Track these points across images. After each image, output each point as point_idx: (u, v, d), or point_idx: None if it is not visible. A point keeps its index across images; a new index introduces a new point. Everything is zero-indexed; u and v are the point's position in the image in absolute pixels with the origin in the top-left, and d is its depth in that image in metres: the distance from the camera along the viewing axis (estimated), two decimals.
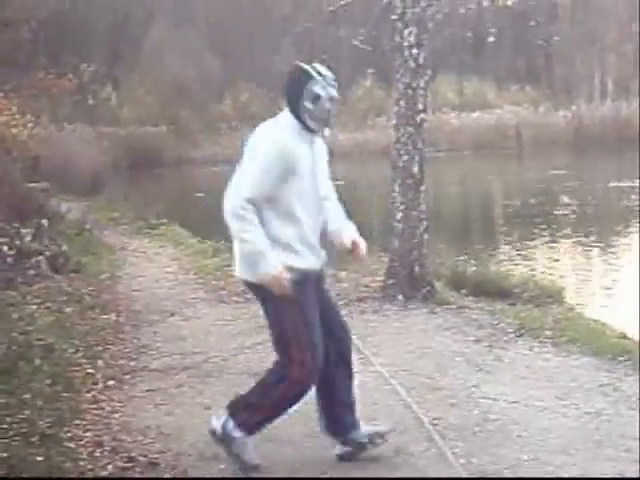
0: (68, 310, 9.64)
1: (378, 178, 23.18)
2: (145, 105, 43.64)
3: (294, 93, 5.25)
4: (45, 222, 13.52)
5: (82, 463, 5.59)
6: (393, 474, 5.41)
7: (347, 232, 5.55)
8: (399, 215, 10.15)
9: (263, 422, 5.48)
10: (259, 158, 5.20)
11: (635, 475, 4.57)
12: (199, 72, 45.32)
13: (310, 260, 5.36)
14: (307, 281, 5.33)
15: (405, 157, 10.14)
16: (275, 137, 5.25)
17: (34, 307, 9.48)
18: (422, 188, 10.20)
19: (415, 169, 10.14)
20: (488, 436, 6.00)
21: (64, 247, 12.70)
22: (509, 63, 49.33)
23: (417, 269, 10.06)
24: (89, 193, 23.46)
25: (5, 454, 5.47)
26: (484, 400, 6.71)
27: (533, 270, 13.55)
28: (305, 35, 45.69)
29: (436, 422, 6.22)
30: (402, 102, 10.17)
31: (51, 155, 23.09)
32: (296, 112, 5.26)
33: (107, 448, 5.85)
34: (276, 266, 5.13)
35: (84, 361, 7.83)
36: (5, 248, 11.24)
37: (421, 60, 10.10)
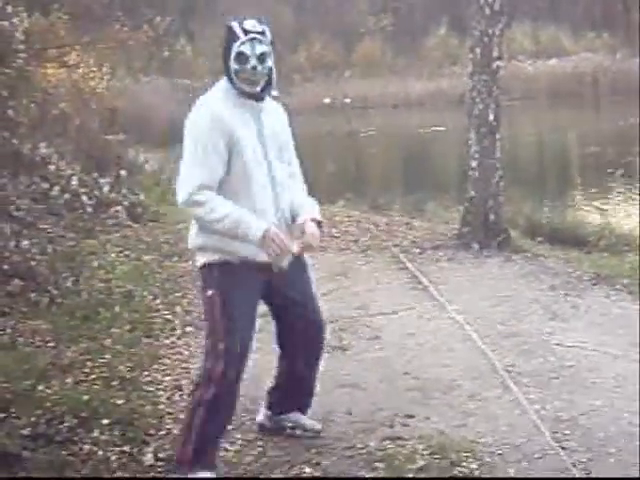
0: (147, 258, 9.78)
1: (452, 127, 23.06)
2: (219, 57, 43.67)
3: (224, 55, 4.80)
4: (123, 172, 13.65)
5: (161, 406, 5.72)
6: (467, 420, 5.45)
7: (300, 217, 4.84)
8: (474, 163, 10.11)
9: (201, 446, 4.73)
10: (199, 139, 4.66)
11: (636, 475, 4.57)
12: (272, 23, 45.21)
13: (251, 248, 4.67)
14: (247, 270, 4.72)
15: (480, 105, 10.08)
16: (207, 109, 4.72)
17: (114, 255, 9.63)
18: (497, 136, 10.14)
19: (490, 117, 10.08)
20: (562, 383, 6.01)
21: (142, 197, 12.84)
22: (585, 9, 48.43)
23: (492, 217, 10.02)
24: (165, 144, 23.61)
25: (87, 397, 5.60)
26: (559, 347, 6.71)
27: (609, 218, 13.40)
28: None
29: (510, 369, 6.24)
30: (477, 50, 10.09)
31: (128, 107, 23.21)
32: (229, 76, 4.78)
33: (186, 392, 5.96)
34: (260, 227, 4.60)
35: (162, 308, 7.97)
36: (85, 198, 11.40)
37: (496, 7, 9.99)
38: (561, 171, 22.26)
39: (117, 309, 7.56)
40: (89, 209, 11.24)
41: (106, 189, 12.24)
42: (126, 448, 5.03)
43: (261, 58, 4.73)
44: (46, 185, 11.18)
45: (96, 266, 8.92)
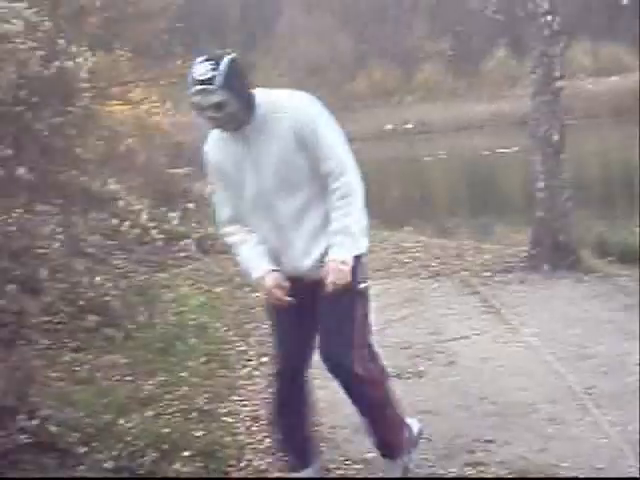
0: (218, 290, 9.86)
1: (515, 148, 22.97)
2: (279, 87, 43.96)
3: None
4: (191, 205, 13.79)
5: (240, 437, 5.74)
6: (548, 444, 5.40)
7: (331, 254, 4.50)
8: (541, 184, 10.07)
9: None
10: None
11: (635, 475, 4.49)
12: (332, 52, 45.50)
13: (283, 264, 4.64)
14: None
15: (545, 126, 10.06)
16: (205, 148, 4.70)
17: (186, 288, 9.73)
18: (562, 156, 10.10)
19: (555, 137, 10.05)
20: None
21: (211, 229, 12.94)
22: None
23: (562, 237, 9.97)
24: None
25: (167, 429, 5.64)
26: (637, 367, 6.63)
27: None
28: (437, 8, 45.42)
29: (589, 391, 6.18)
30: (538, 70, 10.08)
31: (192, 140, 23.46)
32: None
33: (264, 422, 5.98)
34: (260, 274, 4.60)
35: (236, 339, 8.02)
36: (154, 232, 11.51)
37: (556, 27, 9.99)
38: (628, 189, 22.02)
39: (192, 341, 7.62)
40: (159, 243, 11.35)
41: (175, 222, 12.36)
42: None
43: (215, 108, 4.37)
44: (116, 221, 11.31)
45: (169, 299, 9.01)
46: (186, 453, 5.32)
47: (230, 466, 5.25)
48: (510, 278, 9.77)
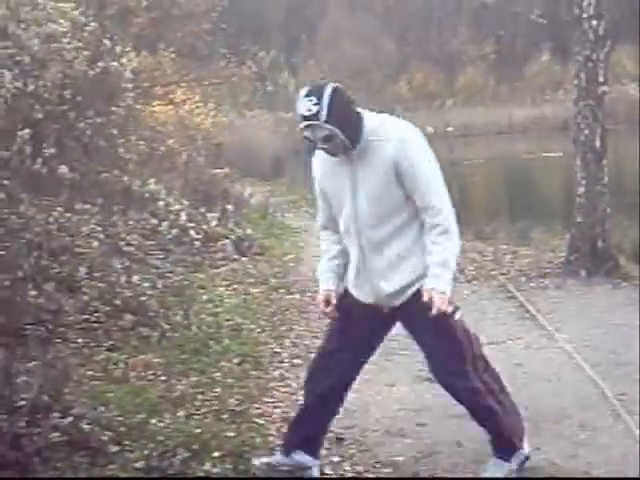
0: (254, 291, 9.89)
1: (558, 154, 22.82)
2: None
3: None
4: (230, 206, 13.85)
5: (271, 439, 5.75)
6: (578, 450, 5.39)
7: (427, 285, 4.63)
8: (581, 190, 10.03)
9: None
10: None
11: (636, 475, 4.44)
12: (374, 55, 45.49)
13: (352, 288, 4.93)
14: (344, 305, 4.93)
15: (586, 131, 10.01)
16: (313, 159, 4.94)
17: (222, 289, 9.76)
18: (604, 162, 10.05)
19: (597, 143, 10.00)
20: None
21: (248, 230, 13.00)
22: None
23: (600, 244, 9.93)
24: (270, 177, 23.91)
25: (198, 430, 5.67)
26: None
27: None
28: (481, 12, 45.26)
29: (622, 397, 6.14)
30: (582, 75, 10.03)
31: (233, 141, 23.58)
32: None
33: None
34: (319, 292, 4.99)
35: (270, 340, 8.05)
36: (193, 232, 11.58)
37: (601, 31, 9.94)
38: None
39: (226, 342, 7.65)
40: (197, 243, 11.42)
41: (213, 223, 12.42)
42: None
43: (324, 140, 4.59)
44: (155, 220, 11.40)
45: (205, 300, 9.05)
46: (216, 454, 5.33)
47: None
48: (547, 284, 9.75)
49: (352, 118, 4.63)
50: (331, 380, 5.03)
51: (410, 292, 4.76)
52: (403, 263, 4.75)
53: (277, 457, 5.16)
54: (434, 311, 4.54)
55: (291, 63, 46.78)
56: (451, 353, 4.80)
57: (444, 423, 5.86)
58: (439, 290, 4.57)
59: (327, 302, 4.93)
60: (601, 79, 10.02)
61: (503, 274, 10.18)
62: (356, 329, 4.92)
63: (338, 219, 4.87)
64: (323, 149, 4.66)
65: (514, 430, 5.04)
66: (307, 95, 4.55)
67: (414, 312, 4.73)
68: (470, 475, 5.14)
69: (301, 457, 5.10)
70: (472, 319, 8.37)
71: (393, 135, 4.66)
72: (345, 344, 4.94)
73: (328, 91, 4.55)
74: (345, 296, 4.97)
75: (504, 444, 5.04)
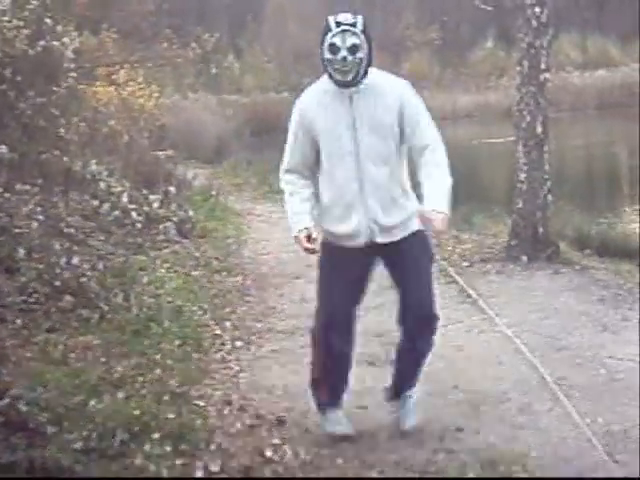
0: (196, 274, 9.85)
1: (500, 139, 22.96)
2: (267, 72, 43.94)
3: (320, 47, 5.08)
4: (172, 189, 13.76)
5: (211, 421, 5.74)
6: (517, 433, 5.43)
7: (426, 204, 5.04)
8: (522, 176, 10.08)
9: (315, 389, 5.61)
10: (290, 125, 5.28)
11: (636, 475, 4.52)
12: (319, 38, 45.41)
13: (341, 226, 5.23)
14: (341, 251, 5.26)
15: (528, 117, 10.06)
16: (298, 102, 5.26)
17: (163, 271, 9.70)
18: (545, 148, 10.11)
19: (539, 129, 10.05)
20: (614, 395, 5.97)
21: (191, 213, 12.92)
22: (633, 19, 48.01)
23: (541, 229, 9.99)
24: (214, 160, 23.78)
25: (138, 411, 5.63)
26: (610, 360, 6.67)
27: None
28: None
29: (561, 382, 6.21)
30: (525, 62, 10.07)
31: (176, 123, 23.44)
32: (324, 67, 5.11)
33: (236, 406, 6.00)
34: (297, 231, 5.21)
35: (212, 323, 8.01)
36: (134, 214, 11.48)
37: (543, 18, 9.98)
38: (610, 183, 22.08)
39: (167, 324, 7.60)
40: (139, 225, 11.32)
41: (155, 205, 12.33)
42: (177, 462, 5.05)
43: (352, 49, 4.98)
44: (96, 202, 11.29)
45: (146, 282, 8.98)
46: (156, 435, 5.30)
47: (199, 449, 5.25)
48: (488, 268, 9.80)
49: (371, 47, 5.06)
50: (347, 333, 5.39)
51: (403, 230, 5.20)
52: (399, 202, 5.18)
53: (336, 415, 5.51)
54: (434, 229, 5.01)
55: (236, 45, 46.52)
56: (427, 295, 5.28)
57: (384, 406, 5.87)
58: (439, 210, 4.96)
59: (309, 238, 5.17)
60: (543, 66, 10.07)
61: (445, 259, 10.20)
62: (349, 275, 5.26)
63: (328, 158, 5.15)
64: (341, 62, 4.97)
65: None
66: (350, 13, 5.07)
67: (401, 250, 5.22)
68: (410, 458, 5.15)
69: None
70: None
71: (397, 83, 5.21)
72: (346, 293, 5.28)
73: (361, 17, 5.09)
74: (325, 245, 5.31)
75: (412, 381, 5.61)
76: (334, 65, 5.02)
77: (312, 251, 5.23)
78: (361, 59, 5.01)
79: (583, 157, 26.27)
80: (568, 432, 5.40)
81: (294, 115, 5.24)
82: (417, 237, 5.26)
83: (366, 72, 5.08)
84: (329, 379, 5.50)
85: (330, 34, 5.00)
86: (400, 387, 5.61)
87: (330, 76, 5.09)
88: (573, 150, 25.56)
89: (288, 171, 5.32)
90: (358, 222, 5.18)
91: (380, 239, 5.21)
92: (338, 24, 5.00)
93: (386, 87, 5.15)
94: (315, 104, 5.16)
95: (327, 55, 5.02)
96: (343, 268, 5.25)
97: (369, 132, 5.09)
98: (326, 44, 5.01)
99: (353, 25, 5.00)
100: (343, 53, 4.97)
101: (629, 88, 39.40)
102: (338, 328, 5.33)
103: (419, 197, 5.18)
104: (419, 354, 5.47)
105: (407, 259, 5.26)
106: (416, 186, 5.25)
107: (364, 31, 5.03)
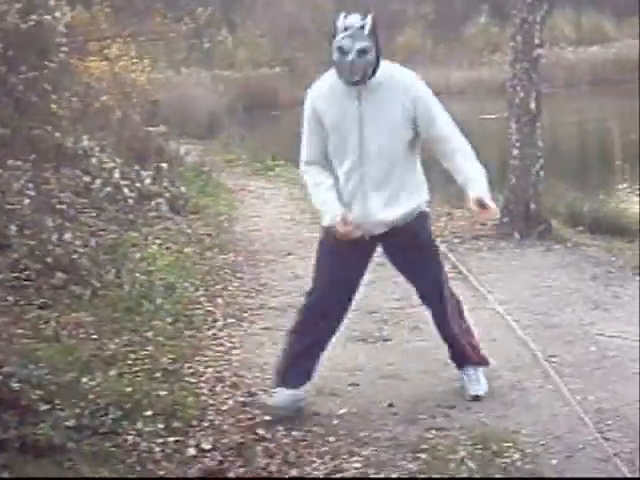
0: (188, 250, 9.84)
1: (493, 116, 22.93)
2: (260, 47, 43.77)
3: (330, 45, 5.14)
4: (165, 165, 13.70)
5: (203, 398, 5.76)
6: (509, 410, 5.45)
7: (472, 192, 5.18)
8: (515, 152, 10.08)
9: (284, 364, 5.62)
10: (304, 118, 5.34)
11: (635, 475, 4.53)
12: (313, 13, 45.23)
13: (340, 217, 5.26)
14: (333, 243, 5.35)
15: (521, 93, 10.04)
16: (310, 92, 5.33)
17: (155, 247, 9.69)
18: (538, 125, 10.10)
19: (532, 105, 10.04)
20: (605, 373, 5.99)
21: (183, 189, 12.90)
22: None
23: (533, 206, 9.99)
24: (206, 136, 23.70)
25: (130, 389, 5.64)
26: (601, 337, 6.68)
27: None
28: None
29: (552, 359, 6.23)
30: (518, 37, 10.04)
31: (169, 99, 23.31)
32: (334, 66, 5.19)
33: (228, 383, 6.02)
34: (332, 217, 5.23)
35: (204, 300, 8.02)
36: (126, 190, 11.44)
37: None
38: (603, 160, 22.08)
39: (159, 301, 7.59)
40: (131, 202, 11.29)
41: (147, 182, 12.29)
42: (170, 439, 5.07)
43: (360, 53, 5.02)
44: (88, 178, 11.24)
45: (138, 258, 8.97)
46: (148, 412, 5.32)
47: (191, 426, 5.26)
48: (480, 245, 9.80)
49: (379, 47, 5.14)
50: (334, 316, 5.51)
51: (404, 219, 5.32)
52: (402, 197, 5.29)
53: (283, 393, 5.49)
54: (486, 215, 5.32)
55: (229, 20, 46.33)
56: (435, 278, 5.59)
57: (376, 383, 5.90)
58: (488, 197, 5.13)
59: (345, 222, 5.19)
60: (537, 42, 10.04)
61: (437, 235, 10.18)
62: (348, 262, 5.39)
63: (334, 152, 5.26)
64: (350, 65, 5.03)
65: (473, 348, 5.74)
66: (353, 14, 5.14)
67: (403, 240, 5.38)
68: (402, 436, 5.17)
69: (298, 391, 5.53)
70: (404, 280, 8.44)
71: (406, 77, 5.25)
72: (341, 280, 5.41)
73: (369, 15, 5.13)
74: (328, 231, 5.34)
75: (468, 359, 5.71)
76: (342, 67, 5.09)
77: (350, 234, 5.23)
78: (369, 61, 5.07)
79: (576, 133, 26.25)
80: (559, 409, 5.42)
81: (306, 107, 5.31)
82: (418, 220, 5.43)
83: (374, 71, 5.13)
84: (299, 359, 5.55)
85: (339, 37, 5.06)
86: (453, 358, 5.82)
87: (339, 75, 5.17)
88: (566, 126, 25.53)
89: (307, 163, 5.39)
90: (358, 216, 5.27)
91: (379, 231, 5.35)
92: (346, 27, 5.07)
93: (394, 82, 5.19)
94: (325, 98, 5.23)
95: (336, 57, 5.09)
96: (343, 255, 5.32)
97: (376, 129, 5.16)
98: (335, 46, 5.07)
99: (362, 28, 5.06)
100: (351, 56, 5.03)
101: (623, 64, 39.35)
102: (329, 314, 5.46)
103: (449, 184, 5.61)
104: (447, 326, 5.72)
105: (408, 249, 5.47)
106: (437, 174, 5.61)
107: (373, 32, 5.09)
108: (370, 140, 5.18)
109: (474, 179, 5.21)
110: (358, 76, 5.09)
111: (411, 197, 5.34)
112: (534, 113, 10.04)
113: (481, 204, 5.10)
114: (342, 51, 5.05)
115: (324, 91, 5.26)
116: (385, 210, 5.28)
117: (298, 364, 5.54)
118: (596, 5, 45.92)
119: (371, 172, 5.22)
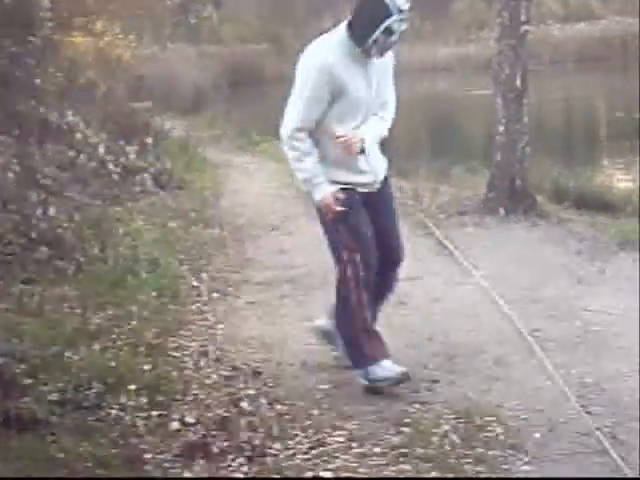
0: (173, 225, 9.83)
1: (480, 92, 22.92)
2: (246, 23, 43.60)
3: (368, 22, 5.16)
4: (150, 140, 13.68)
5: (187, 372, 5.75)
6: (493, 385, 5.46)
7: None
8: (501, 128, 10.06)
9: (357, 339, 5.44)
10: (306, 83, 5.26)
11: (635, 475, 4.55)
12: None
13: (354, 176, 5.42)
14: (354, 193, 5.41)
15: (507, 70, 10.02)
16: (320, 59, 5.25)
17: (140, 222, 9.68)
18: (524, 101, 10.08)
19: (517, 82, 10.02)
20: (588, 348, 6.01)
21: (168, 164, 12.88)
22: None
23: (518, 182, 9.99)
24: (192, 111, 23.63)
25: (114, 363, 5.63)
26: (585, 312, 6.71)
27: (636, 184, 13.30)
28: None
29: (536, 333, 6.24)
30: (505, 13, 10.01)
31: (154, 74, 23.26)
32: (358, 33, 5.21)
33: (212, 358, 6.01)
34: (325, 194, 5.32)
35: (189, 274, 8.00)
36: (111, 165, 11.43)
37: None
38: (589, 136, 22.10)
39: (143, 276, 7.59)
40: (115, 177, 11.28)
41: (132, 157, 12.28)
42: (153, 413, 5.06)
43: (400, 34, 5.22)
44: (73, 153, 11.22)
45: (122, 233, 8.96)
46: (132, 387, 5.30)
47: (175, 400, 5.25)
48: (466, 221, 9.80)
49: None
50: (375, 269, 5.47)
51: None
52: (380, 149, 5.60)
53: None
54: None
55: None
56: (398, 233, 5.71)
57: None
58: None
59: (337, 200, 5.30)
60: (523, 18, 10.01)
61: (422, 211, 10.21)
62: (362, 213, 5.44)
63: (340, 115, 5.27)
64: (387, 44, 5.21)
65: None
66: None
67: (382, 194, 5.56)
68: (385, 410, 5.18)
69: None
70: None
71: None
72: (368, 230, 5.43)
73: None
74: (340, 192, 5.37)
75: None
76: (381, 45, 5.21)
77: (338, 212, 5.32)
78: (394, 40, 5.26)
79: (562, 110, 26.26)
80: (542, 383, 5.44)
81: (319, 73, 5.22)
82: (387, 182, 5.67)
83: None
84: (371, 329, 5.48)
85: (391, 19, 5.12)
86: None
87: (364, 49, 5.23)
88: (552, 103, 25.52)
89: (299, 129, 5.31)
90: (369, 172, 5.46)
91: (377, 187, 5.55)
92: (399, 10, 5.13)
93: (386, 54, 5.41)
94: (343, 65, 5.23)
95: (379, 36, 5.15)
96: (356, 206, 5.41)
97: (376, 91, 5.38)
98: (382, 26, 5.11)
99: (409, 11, 5.19)
100: (395, 37, 5.21)
101: (609, 41, 39.31)
102: (373, 268, 5.44)
103: None
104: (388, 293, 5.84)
105: (387, 205, 5.66)
106: None
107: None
108: (373, 101, 5.38)
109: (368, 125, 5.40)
110: (377, 53, 5.27)
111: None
112: (520, 90, 10.03)
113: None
114: (390, 32, 5.16)
115: (340, 58, 5.24)
116: (381, 164, 5.57)
117: (375, 335, 5.49)
118: None
119: (371, 129, 5.41)
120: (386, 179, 5.62)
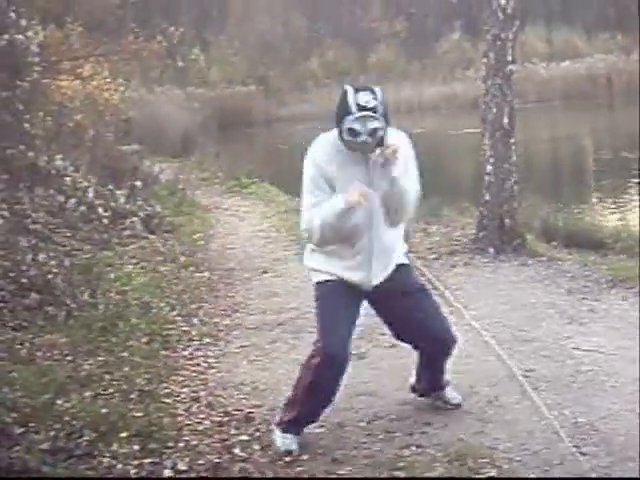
0: (163, 269, 9.81)
1: (467, 131, 23.02)
2: (233, 65, 43.80)
3: (337, 119, 4.98)
4: (139, 183, 13.70)
5: (180, 418, 5.72)
6: (486, 427, 5.44)
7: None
8: (489, 168, 10.10)
9: (299, 417, 5.34)
10: (306, 178, 5.13)
11: (635, 475, 4.54)
12: (286, 31, 45.30)
13: (342, 271, 5.22)
14: (342, 286, 5.23)
15: (494, 109, 10.08)
16: (312, 158, 5.12)
17: (130, 267, 9.66)
18: (512, 140, 10.13)
19: (505, 121, 10.07)
20: (581, 387, 5.99)
21: (158, 208, 12.88)
22: (599, 10, 48.21)
23: (508, 221, 10.02)
24: (180, 154, 23.70)
25: (106, 410, 5.60)
26: (577, 351, 6.69)
27: (625, 222, 13.34)
28: None
29: (528, 374, 6.23)
30: (491, 54, 10.09)
31: (142, 118, 23.33)
32: (339, 133, 5.01)
33: (204, 403, 5.99)
34: (345, 196, 4.97)
35: (179, 319, 7.99)
36: (100, 210, 11.43)
37: (509, 10, 10.00)
38: (576, 174, 22.18)
39: (134, 321, 7.57)
40: (105, 221, 11.27)
41: (122, 200, 12.28)
42: (145, 461, 5.03)
43: (372, 132, 4.92)
44: (62, 198, 11.22)
45: (113, 278, 8.94)
46: (124, 434, 5.28)
47: (167, 447, 5.22)
48: (456, 260, 9.82)
49: (388, 118, 5.00)
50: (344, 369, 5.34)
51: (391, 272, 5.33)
52: (396, 253, 5.36)
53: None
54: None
55: (202, 38, 46.31)
56: (438, 311, 5.64)
57: (352, 401, 5.87)
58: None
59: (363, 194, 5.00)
60: (509, 58, 10.08)
61: (412, 251, 10.21)
62: (348, 309, 5.27)
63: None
64: (362, 144, 4.95)
65: None
66: (363, 90, 4.97)
67: (396, 283, 5.32)
68: (379, 454, 5.15)
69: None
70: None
71: (402, 140, 5.18)
72: (347, 327, 5.26)
73: (380, 91, 4.99)
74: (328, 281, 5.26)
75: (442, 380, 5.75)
76: (353, 145, 4.99)
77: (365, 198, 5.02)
78: (380, 138, 4.97)
79: (550, 149, 26.37)
80: (535, 425, 5.42)
81: (311, 168, 5.10)
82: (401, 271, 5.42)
83: (383, 142, 5.02)
84: (311, 410, 5.36)
85: (350, 118, 4.91)
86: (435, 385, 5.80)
87: (343, 143, 5.03)
88: (540, 142, 25.64)
89: (315, 205, 5.11)
90: (359, 271, 5.24)
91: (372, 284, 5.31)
92: (359, 107, 4.89)
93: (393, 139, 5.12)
94: (333, 163, 5.06)
95: (347, 137, 4.95)
96: (344, 303, 5.25)
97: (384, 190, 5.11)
98: (345, 127, 4.94)
99: (374, 109, 4.90)
100: (363, 137, 4.93)
101: (594, 79, 39.58)
102: (341, 363, 5.26)
103: None
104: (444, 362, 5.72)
105: (410, 295, 5.42)
106: None
107: (385, 108, 4.96)
108: (378, 204, 5.14)
109: None
110: (369, 152, 5.00)
111: (399, 253, 5.41)
112: (508, 129, 10.08)
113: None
114: (354, 133, 4.93)
115: (331, 155, 5.08)
116: (385, 269, 5.30)
117: (311, 415, 5.41)
118: (567, 21, 46.23)
119: (379, 234, 5.21)
120: (403, 266, 5.42)
